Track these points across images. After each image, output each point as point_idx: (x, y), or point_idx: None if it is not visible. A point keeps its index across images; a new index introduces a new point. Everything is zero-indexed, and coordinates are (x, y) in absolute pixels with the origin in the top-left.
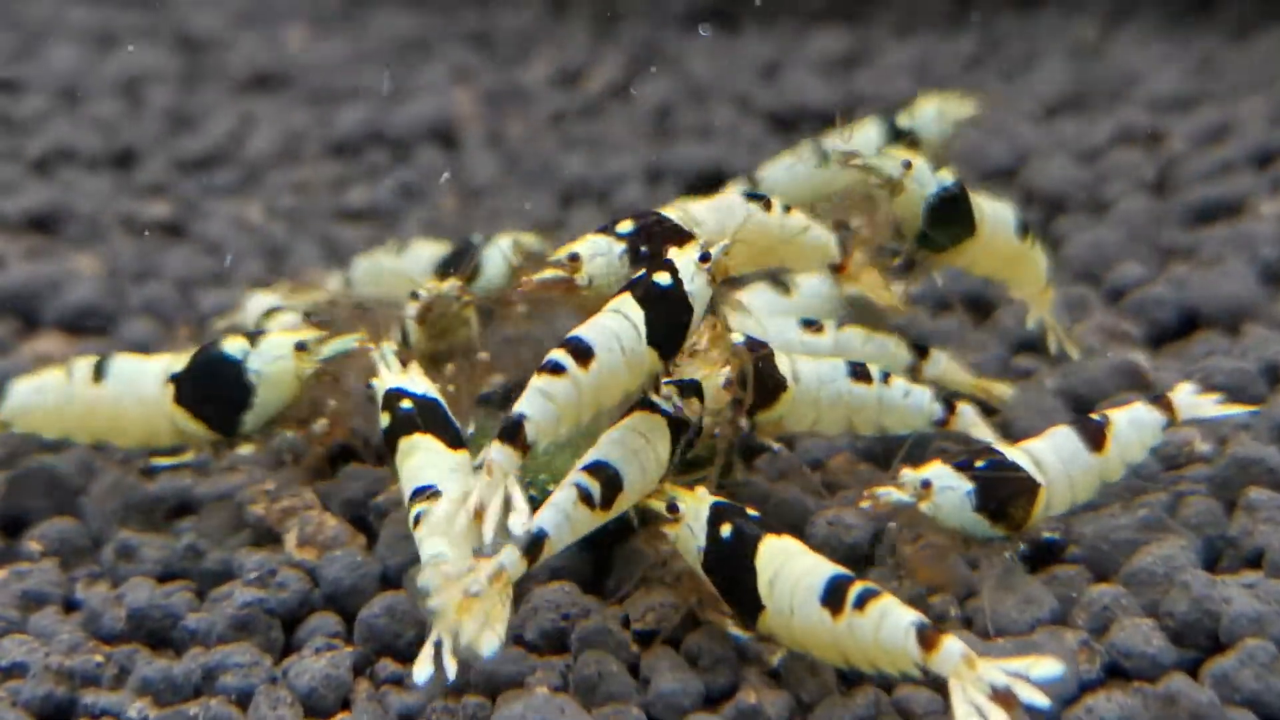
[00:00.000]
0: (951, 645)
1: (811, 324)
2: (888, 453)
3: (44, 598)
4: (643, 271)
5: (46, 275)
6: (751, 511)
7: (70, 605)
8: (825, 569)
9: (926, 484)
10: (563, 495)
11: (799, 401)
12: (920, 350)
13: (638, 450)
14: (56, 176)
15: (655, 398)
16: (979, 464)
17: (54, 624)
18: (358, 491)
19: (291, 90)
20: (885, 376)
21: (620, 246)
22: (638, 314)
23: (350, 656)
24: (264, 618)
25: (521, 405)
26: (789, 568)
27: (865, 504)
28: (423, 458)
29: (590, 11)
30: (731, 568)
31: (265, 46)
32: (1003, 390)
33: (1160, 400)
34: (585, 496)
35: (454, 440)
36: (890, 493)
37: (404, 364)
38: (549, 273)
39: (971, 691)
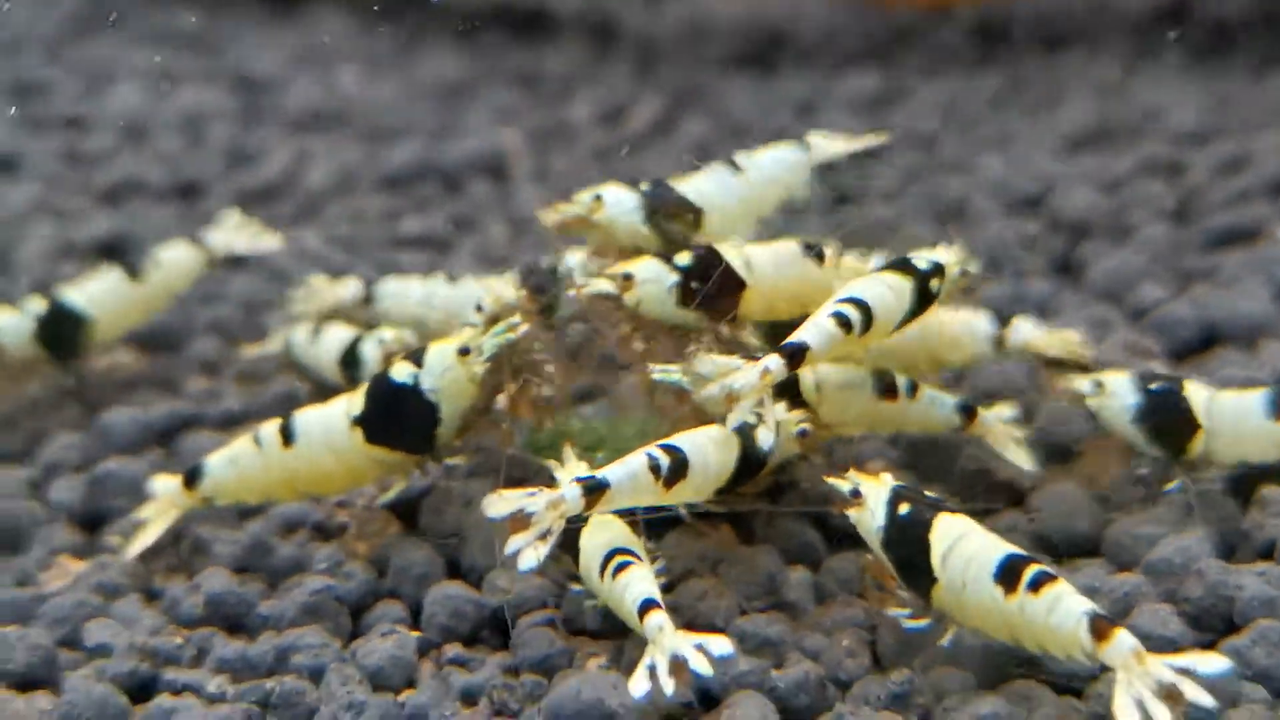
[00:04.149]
0: (1123, 638)
1: None
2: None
3: (124, 588)
4: (905, 256)
5: None
6: (930, 494)
7: (150, 595)
8: (1001, 547)
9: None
10: (634, 459)
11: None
12: (1003, 319)
13: (707, 454)
14: (124, 207)
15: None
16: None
17: (135, 610)
18: (413, 491)
19: (345, 128)
20: (912, 389)
21: (674, 278)
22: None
23: (415, 640)
24: (333, 604)
25: (804, 335)
26: (963, 544)
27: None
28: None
29: (632, 54)
30: (907, 544)
31: (320, 87)
32: (1081, 345)
33: None
34: (654, 466)
35: None
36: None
37: None
38: (602, 284)
39: (1138, 686)
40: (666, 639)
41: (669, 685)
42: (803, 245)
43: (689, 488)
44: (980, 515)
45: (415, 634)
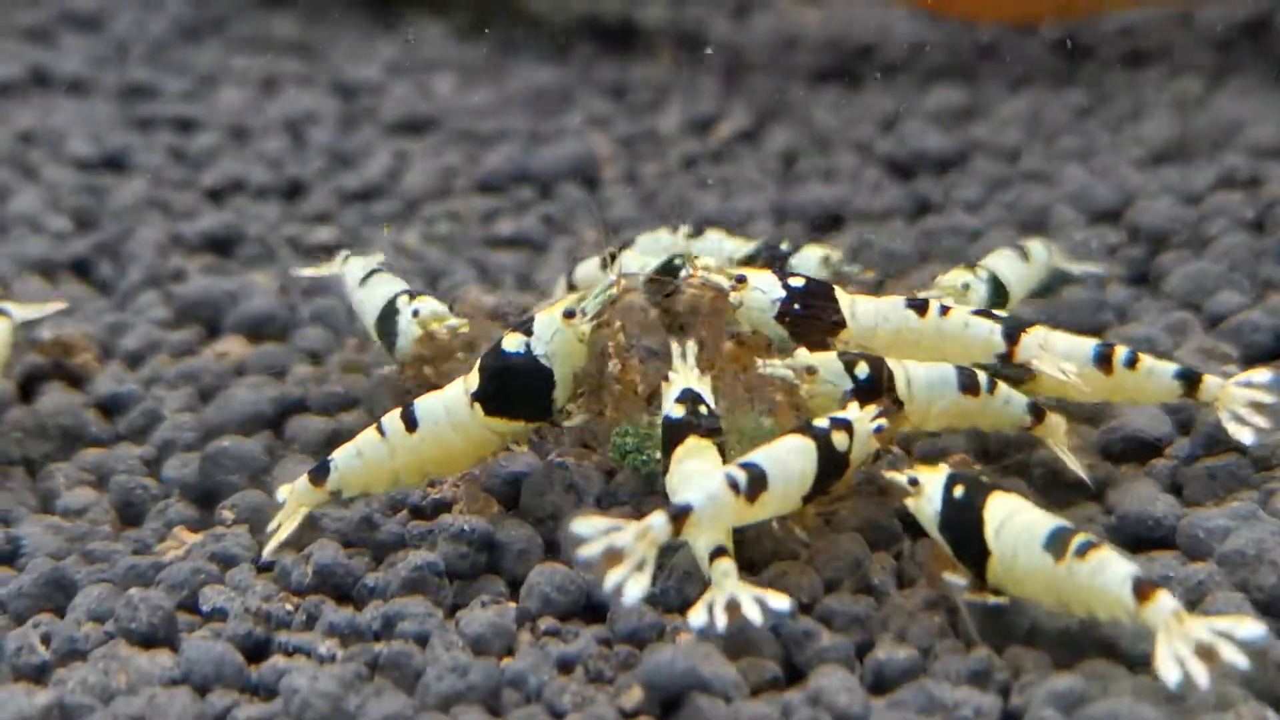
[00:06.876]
0: (1164, 599)
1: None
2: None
3: (237, 558)
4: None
5: (226, 287)
6: (984, 478)
7: (261, 566)
8: (1050, 521)
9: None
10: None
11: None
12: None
13: (787, 465)
14: (229, 204)
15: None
16: None
17: (248, 579)
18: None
19: (441, 133)
20: (992, 386)
21: (780, 295)
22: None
23: (515, 611)
24: (435, 578)
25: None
26: (1015, 519)
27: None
28: (707, 463)
29: (720, 66)
30: (962, 522)
31: (416, 94)
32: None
33: None
34: (733, 484)
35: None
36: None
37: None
38: (716, 277)
39: (1177, 644)
40: (729, 584)
41: (721, 620)
42: (906, 302)
43: (773, 499)
44: (1059, 509)
45: (515, 605)
